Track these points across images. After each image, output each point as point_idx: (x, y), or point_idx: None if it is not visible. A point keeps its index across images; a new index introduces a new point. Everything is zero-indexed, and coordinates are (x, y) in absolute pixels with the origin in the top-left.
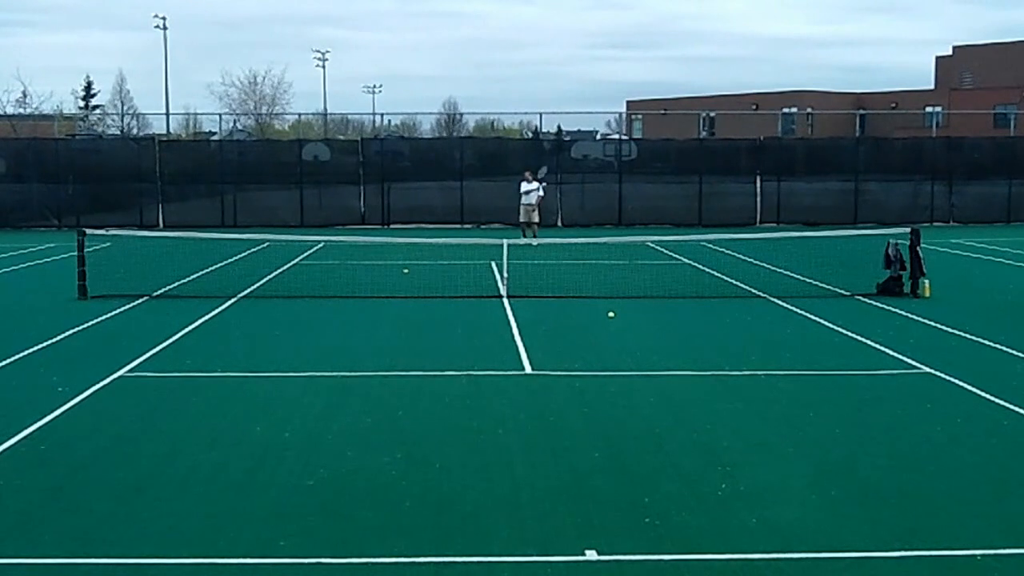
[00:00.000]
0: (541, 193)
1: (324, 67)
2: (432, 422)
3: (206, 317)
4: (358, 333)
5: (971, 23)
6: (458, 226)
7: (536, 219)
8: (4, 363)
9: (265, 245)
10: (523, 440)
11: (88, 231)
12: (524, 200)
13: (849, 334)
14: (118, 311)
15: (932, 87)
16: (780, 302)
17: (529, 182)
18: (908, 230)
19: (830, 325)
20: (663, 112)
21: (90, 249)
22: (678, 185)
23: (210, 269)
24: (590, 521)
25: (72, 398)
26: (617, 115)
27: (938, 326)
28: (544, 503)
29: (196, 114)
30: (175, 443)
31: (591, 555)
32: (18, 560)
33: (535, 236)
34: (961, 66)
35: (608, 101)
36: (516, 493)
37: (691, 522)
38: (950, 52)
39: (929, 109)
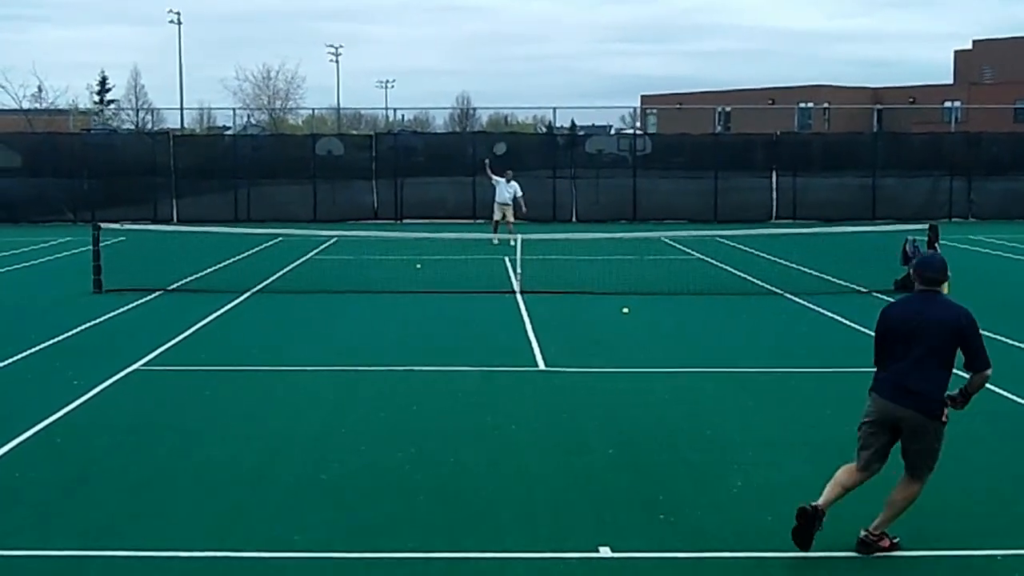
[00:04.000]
0: (520, 193)
1: (338, 62)
2: (445, 418)
3: (220, 311)
4: (371, 328)
5: (991, 17)
6: (471, 221)
7: (511, 217)
8: (20, 356)
9: (278, 240)
10: (536, 436)
11: (103, 225)
12: (500, 199)
13: (866, 331)
14: (133, 305)
15: (951, 82)
16: (796, 298)
17: (508, 181)
18: (926, 226)
19: (846, 322)
20: (678, 107)
21: (105, 243)
22: (693, 180)
23: (224, 264)
24: (603, 517)
25: (87, 391)
26: (631, 110)
27: None
28: (557, 499)
29: (210, 109)
30: (189, 437)
31: (604, 551)
32: (33, 552)
33: (511, 232)
34: (981, 60)
35: (622, 96)
36: (529, 489)
37: (705, 519)
38: (969, 46)
39: (948, 104)
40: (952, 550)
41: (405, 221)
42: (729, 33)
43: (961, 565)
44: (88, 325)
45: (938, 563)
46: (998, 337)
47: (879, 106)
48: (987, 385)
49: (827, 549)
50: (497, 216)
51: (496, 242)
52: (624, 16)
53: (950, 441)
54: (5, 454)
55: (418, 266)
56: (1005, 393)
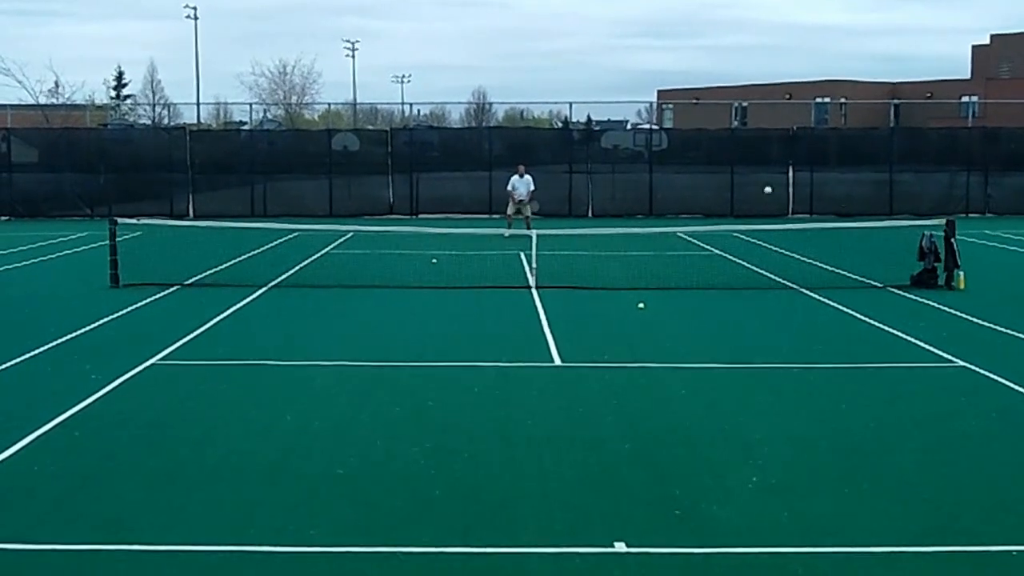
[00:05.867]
0: (532, 187)
1: (354, 57)
2: (461, 413)
3: (237, 306)
4: (387, 323)
5: (1009, 11)
6: (486, 216)
7: (527, 212)
8: (38, 351)
9: (294, 235)
10: (552, 431)
11: (120, 220)
12: (517, 195)
13: (882, 327)
14: (150, 300)
15: (968, 76)
16: (812, 294)
17: (521, 176)
18: (943, 221)
19: (863, 317)
20: (694, 102)
21: (122, 238)
22: (709, 175)
23: (240, 258)
24: (619, 513)
25: (105, 386)
26: (648, 105)
27: (973, 319)
28: (573, 494)
29: (226, 104)
30: (206, 431)
31: (620, 547)
32: (51, 546)
33: (528, 227)
34: (998, 55)
35: (639, 90)
36: (545, 484)
37: (721, 515)
38: (987, 41)
39: (965, 99)
40: (968, 546)
41: (421, 216)
42: (746, 28)
43: (977, 561)
44: (105, 320)
45: (953, 559)
46: (1014, 333)
47: (896, 101)
48: (1003, 381)
49: (844, 545)
50: (511, 211)
51: (507, 235)
52: (641, 11)
53: (965, 437)
54: (24, 448)
55: (434, 261)
56: (1021, 389)
